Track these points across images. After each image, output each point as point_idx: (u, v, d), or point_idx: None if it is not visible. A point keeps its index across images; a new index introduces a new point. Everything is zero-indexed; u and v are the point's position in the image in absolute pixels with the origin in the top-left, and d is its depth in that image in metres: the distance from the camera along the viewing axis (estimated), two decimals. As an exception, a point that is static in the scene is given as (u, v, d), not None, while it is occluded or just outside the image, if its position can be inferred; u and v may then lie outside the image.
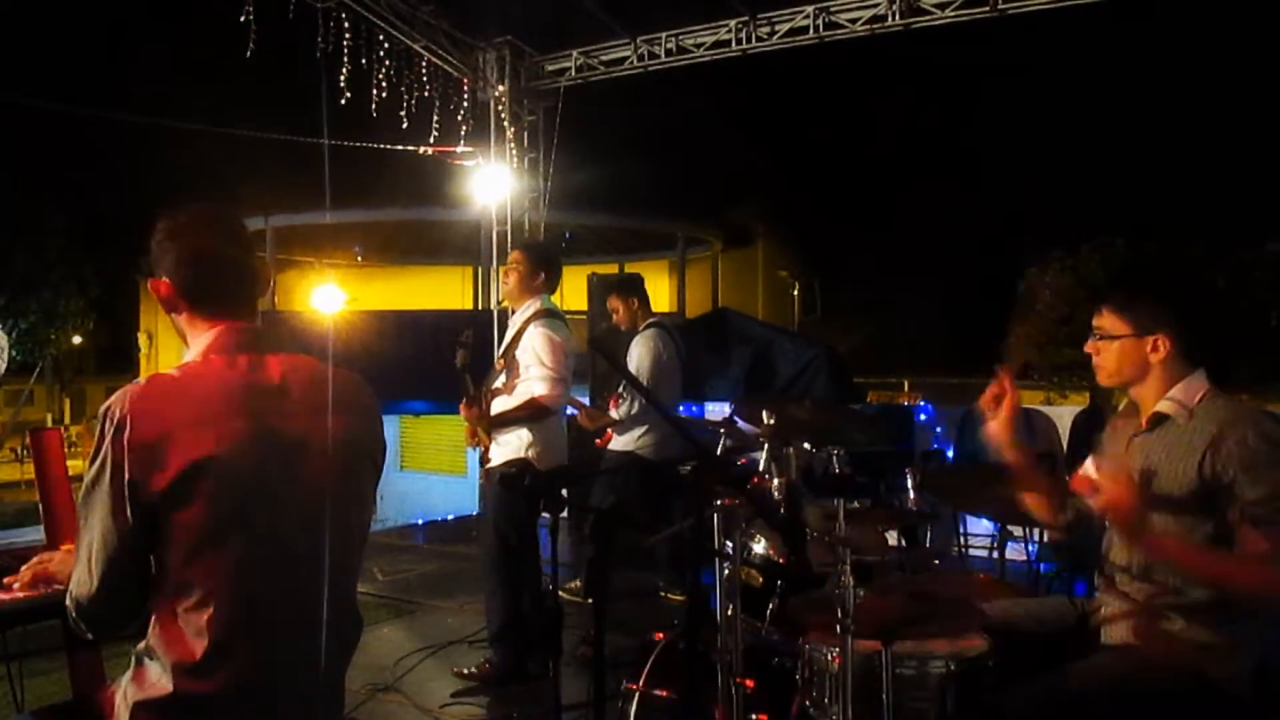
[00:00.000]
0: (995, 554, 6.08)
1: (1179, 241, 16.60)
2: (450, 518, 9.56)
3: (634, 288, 5.97)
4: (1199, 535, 2.39)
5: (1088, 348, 2.64)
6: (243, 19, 7.08)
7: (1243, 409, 2.48)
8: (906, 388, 21.48)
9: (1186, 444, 2.44)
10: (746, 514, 2.52)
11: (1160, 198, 21.21)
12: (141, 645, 1.90)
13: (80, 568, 1.87)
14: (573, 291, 10.89)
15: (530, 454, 4.39)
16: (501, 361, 4.53)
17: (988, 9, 7.01)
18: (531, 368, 4.36)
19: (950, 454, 7.51)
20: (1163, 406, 2.53)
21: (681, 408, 8.12)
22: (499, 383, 4.51)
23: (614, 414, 5.69)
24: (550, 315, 4.48)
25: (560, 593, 5.26)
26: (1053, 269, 17.98)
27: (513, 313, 4.69)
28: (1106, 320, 2.59)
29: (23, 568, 2.46)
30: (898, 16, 7.32)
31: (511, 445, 4.44)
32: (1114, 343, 2.58)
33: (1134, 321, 2.54)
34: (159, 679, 1.86)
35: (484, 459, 4.58)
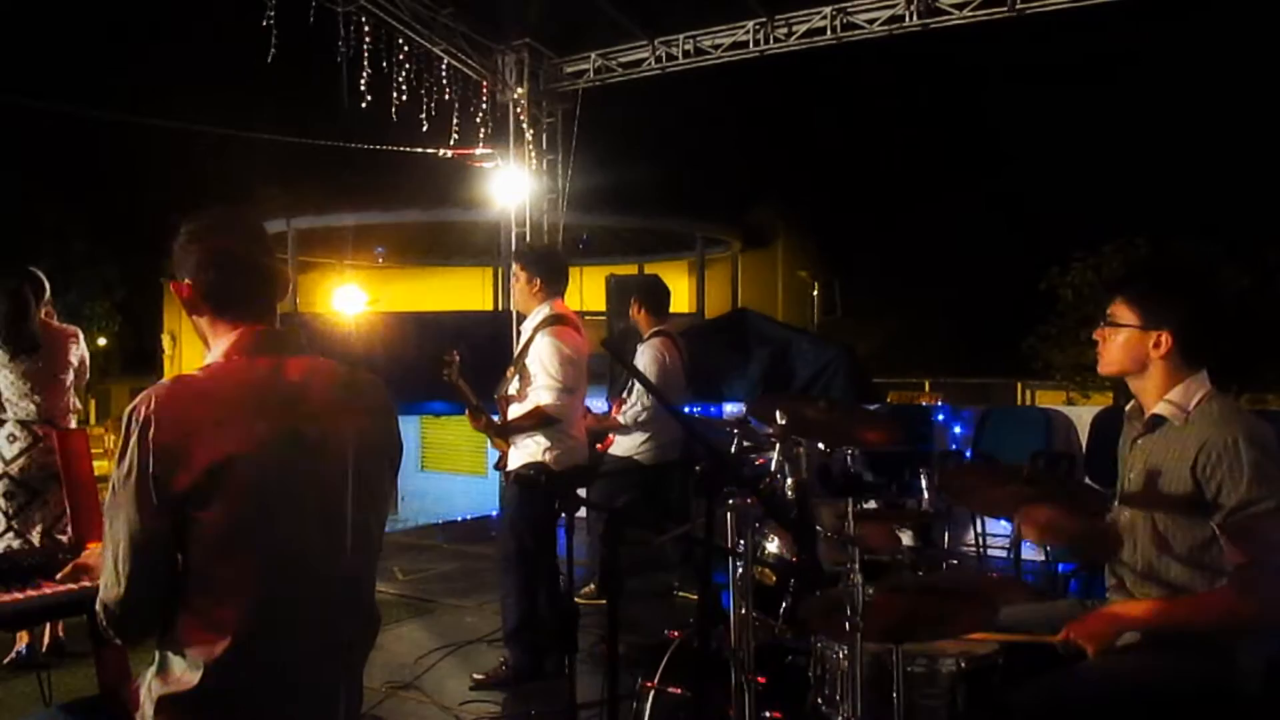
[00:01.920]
0: (1012, 554, 6.08)
1: (1203, 241, 16.48)
2: (470, 518, 9.62)
3: (640, 291, 6.02)
4: (1200, 537, 2.40)
5: (1096, 334, 2.66)
6: (264, 23, 7.16)
7: (1237, 414, 2.48)
8: (927, 388, 21.42)
9: (1181, 447, 2.45)
10: (759, 513, 2.55)
11: (1184, 197, 21.05)
12: (165, 641, 1.94)
13: (108, 571, 1.91)
14: (591, 292, 10.93)
15: (547, 457, 4.43)
16: (512, 369, 4.57)
17: (1005, 9, 7.00)
18: (538, 377, 4.40)
19: (968, 454, 7.50)
20: (1160, 409, 2.55)
21: (700, 409, 8.17)
22: (512, 389, 4.55)
23: (620, 419, 5.74)
24: (559, 322, 4.49)
25: (575, 599, 5.30)
26: (1075, 269, 17.90)
27: (524, 318, 4.74)
28: (1118, 309, 2.61)
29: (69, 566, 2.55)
30: (915, 17, 7.32)
31: (528, 449, 4.48)
32: (1120, 332, 2.59)
33: (1142, 314, 2.56)
34: (183, 674, 1.90)
35: (501, 463, 4.63)
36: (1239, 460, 2.35)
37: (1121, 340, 2.59)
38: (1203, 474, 2.39)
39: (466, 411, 4.55)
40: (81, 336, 5.03)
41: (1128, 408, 2.73)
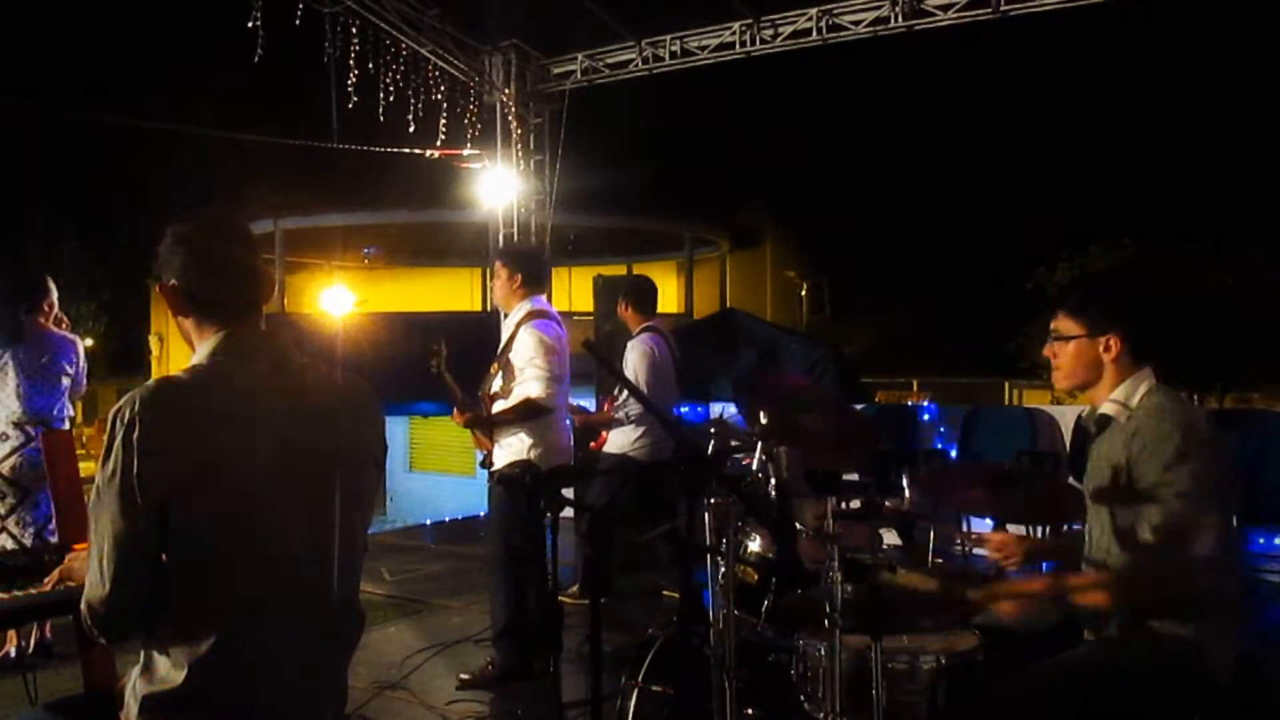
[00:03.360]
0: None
1: (1188, 241, 16.57)
2: (458, 518, 9.63)
3: (627, 290, 6.04)
4: (1152, 525, 2.44)
5: (1045, 351, 2.73)
6: (251, 24, 7.15)
7: (1173, 408, 2.53)
8: (915, 388, 21.46)
9: (1124, 442, 2.51)
10: (740, 512, 2.58)
11: (1170, 197, 21.14)
12: (150, 640, 1.95)
13: (93, 571, 1.92)
14: (580, 293, 10.95)
15: (532, 455, 4.44)
16: (495, 365, 4.59)
17: (990, 10, 7.04)
18: (525, 369, 4.42)
19: (954, 454, 7.54)
20: (1106, 409, 2.61)
21: (687, 409, 8.19)
22: (495, 386, 4.57)
23: (615, 414, 5.74)
24: (541, 316, 4.53)
25: (561, 598, 5.32)
26: (1062, 268, 17.99)
27: (505, 317, 4.76)
28: (1061, 322, 2.67)
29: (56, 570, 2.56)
30: (900, 18, 7.35)
31: (513, 447, 4.49)
32: (1069, 344, 2.65)
33: (1087, 322, 2.62)
34: (167, 673, 1.91)
35: (487, 462, 4.64)
36: (1160, 448, 2.41)
37: (1072, 351, 2.65)
38: (1133, 460, 2.46)
39: (454, 407, 4.57)
40: (80, 345, 5.05)
41: (1083, 412, 2.78)
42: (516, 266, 4.65)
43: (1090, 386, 2.66)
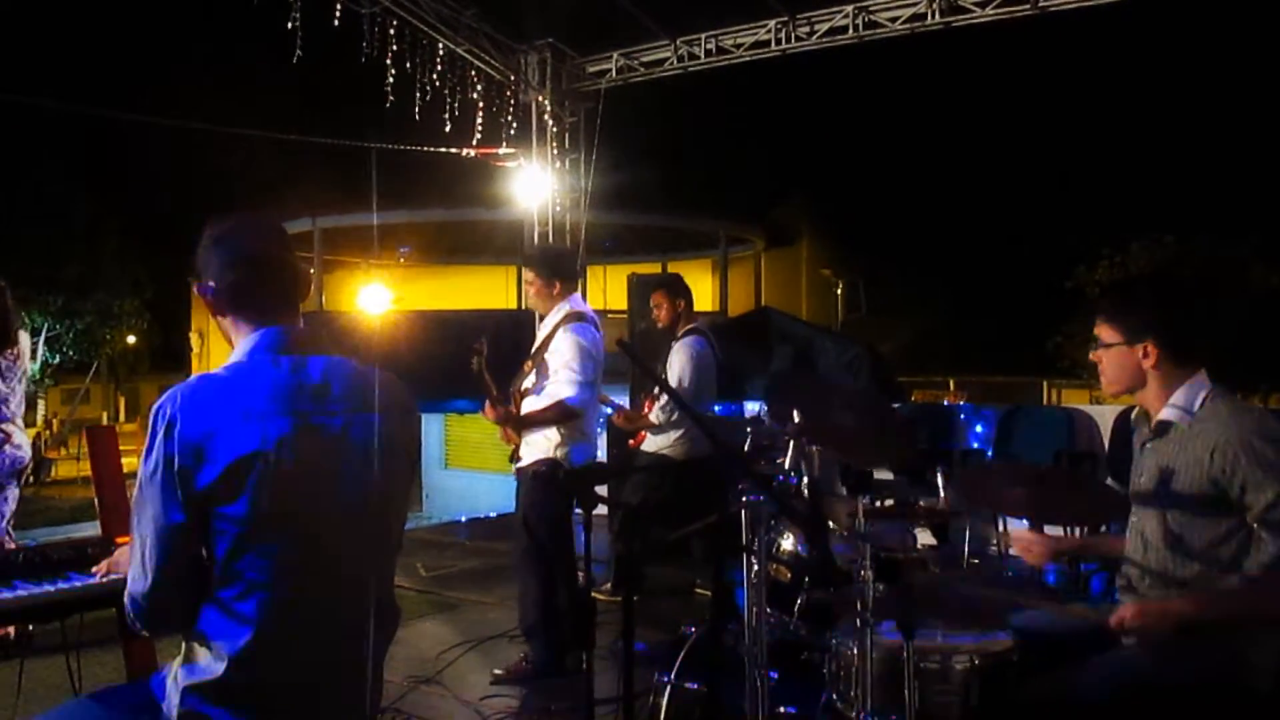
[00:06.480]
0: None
1: (1230, 238, 16.35)
2: (493, 514, 9.68)
3: (681, 289, 6.05)
4: (1214, 535, 2.41)
5: (1091, 357, 2.68)
6: (290, 26, 7.22)
7: (1244, 412, 2.48)
8: (952, 387, 21.33)
9: (1192, 449, 2.45)
10: (773, 511, 2.58)
11: (1213, 195, 20.86)
12: (191, 632, 1.98)
13: (135, 565, 1.96)
14: (615, 291, 10.96)
15: (559, 453, 4.47)
16: (530, 363, 4.62)
17: (1028, 7, 6.97)
18: (559, 371, 4.45)
19: (991, 454, 7.47)
20: (1166, 414, 2.55)
21: (720, 408, 8.18)
22: (528, 384, 4.60)
23: (651, 417, 5.76)
24: (579, 319, 4.55)
25: (594, 594, 5.33)
26: (1102, 267, 17.81)
27: (541, 317, 4.78)
28: (1101, 329, 2.62)
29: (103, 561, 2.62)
30: (937, 15, 7.30)
31: (540, 445, 4.52)
32: (1110, 351, 2.60)
33: (1123, 330, 2.57)
34: (208, 664, 1.95)
35: (514, 457, 4.68)
36: (1255, 459, 2.35)
37: (1114, 358, 2.60)
38: (1221, 475, 2.39)
39: (485, 402, 4.61)
40: (28, 341, 5.14)
41: (1134, 413, 2.74)
42: (548, 271, 4.65)
43: (1137, 391, 2.61)
